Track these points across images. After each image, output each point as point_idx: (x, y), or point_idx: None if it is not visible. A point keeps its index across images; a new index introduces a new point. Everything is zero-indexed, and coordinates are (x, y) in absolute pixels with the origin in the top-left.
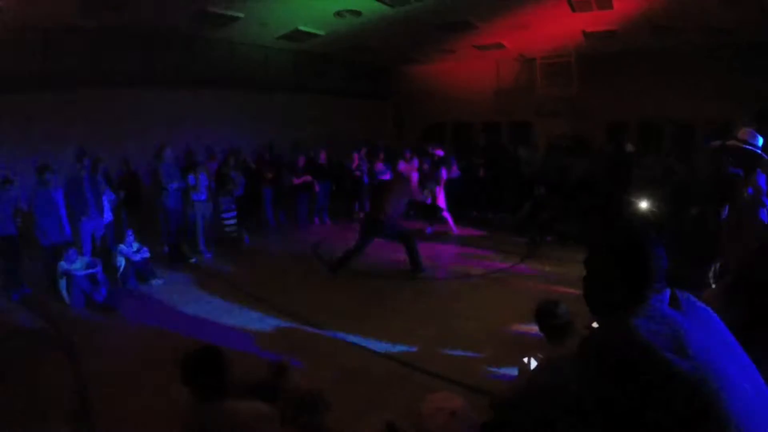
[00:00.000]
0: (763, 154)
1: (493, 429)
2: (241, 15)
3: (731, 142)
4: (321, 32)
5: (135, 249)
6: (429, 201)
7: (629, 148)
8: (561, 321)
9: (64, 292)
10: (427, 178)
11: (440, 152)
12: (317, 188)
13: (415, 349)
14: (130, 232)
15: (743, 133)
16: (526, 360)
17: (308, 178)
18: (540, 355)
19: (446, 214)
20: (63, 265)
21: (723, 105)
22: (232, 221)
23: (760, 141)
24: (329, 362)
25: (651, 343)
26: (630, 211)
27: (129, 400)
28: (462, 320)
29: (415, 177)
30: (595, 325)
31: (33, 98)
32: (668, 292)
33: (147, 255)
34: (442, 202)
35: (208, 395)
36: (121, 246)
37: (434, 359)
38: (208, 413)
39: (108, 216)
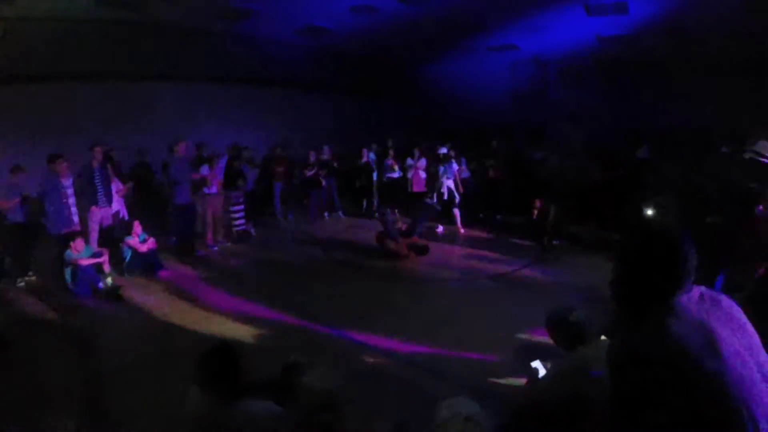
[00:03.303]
0: None
1: None
2: (257, 8)
3: (748, 155)
4: (335, 28)
5: (142, 239)
6: (445, 197)
7: (642, 153)
8: (573, 329)
9: (70, 281)
10: (435, 177)
11: (443, 149)
12: (323, 183)
13: (426, 352)
14: (137, 223)
15: (763, 147)
16: (534, 365)
17: (320, 172)
18: (549, 362)
19: (456, 210)
20: (69, 254)
21: (743, 113)
22: (241, 215)
23: None
24: (339, 363)
25: (685, 345)
26: (644, 218)
27: (133, 394)
28: (473, 324)
29: (422, 176)
30: (603, 336)
31: (47, 88)
32: (696, 290)
33: (154, 246)
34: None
35: (222, 395)
36: (128, 237)
37: (445, 363)
38: (222, 413)
39: (115, 206)
